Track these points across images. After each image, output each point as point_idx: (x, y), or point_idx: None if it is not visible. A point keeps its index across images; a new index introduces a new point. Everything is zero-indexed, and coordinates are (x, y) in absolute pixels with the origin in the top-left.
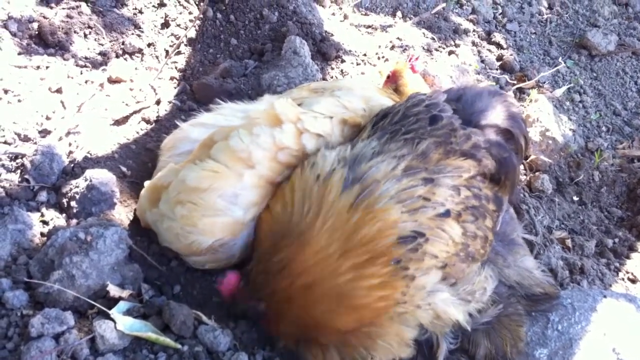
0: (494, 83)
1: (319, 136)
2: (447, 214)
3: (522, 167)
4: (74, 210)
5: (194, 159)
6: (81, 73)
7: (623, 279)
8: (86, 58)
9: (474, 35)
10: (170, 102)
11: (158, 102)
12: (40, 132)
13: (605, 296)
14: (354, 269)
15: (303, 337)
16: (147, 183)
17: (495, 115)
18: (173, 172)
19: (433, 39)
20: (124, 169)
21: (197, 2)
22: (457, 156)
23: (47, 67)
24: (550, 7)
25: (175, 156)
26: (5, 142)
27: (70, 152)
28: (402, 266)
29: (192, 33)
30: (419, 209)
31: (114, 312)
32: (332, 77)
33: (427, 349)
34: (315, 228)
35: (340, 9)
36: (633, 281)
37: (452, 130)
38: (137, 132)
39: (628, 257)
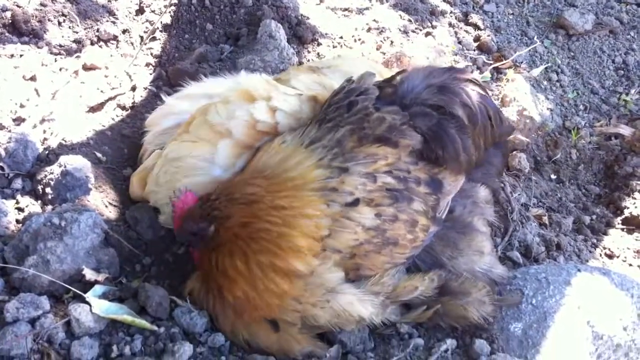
0: (472, 64)
1: (290, 114)
2: (355, 202)
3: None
4: (49, 197)
5: (177, 137)
6: (55, 61)
7: (600, 255)
8: (60, 46)
9: (451, 16)
10: (145, 89)
11: (133, 89)
12: (14, 120)
13: (579, 270)
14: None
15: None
16: (135, 172)
17: (424, 91)
18: (157, 156)
19: (410, 20)
20: (99, 155)
21: None
22: (370, 142)
23: (21, 56)
24: None
25: (159, 134)
26: None
27: (45, 140)
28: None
29: (167, 19)
30: (330, 202)
31: (89, 296)
32: (308, 61)
33: None
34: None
35: None
36: (610, 257)
37: (366, 115)
38: (113, 119)
39: (605, 234)
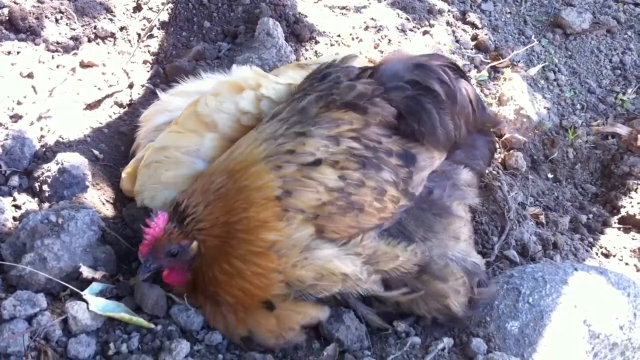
0: (469, 62)
1: (276, 103)
2: (316, 162)
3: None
4: (46, 194)
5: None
6: (53, 58)
7: (597, 254)
8: (58, 43)
9: (448, 15)
10: (143, 86)
11: (131, 86)
12: (11, 117)
13: (576, 269)
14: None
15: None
16: (125, 167)
17: (401, 69)
18: (147, 149)
19: (407, 19)
20: (96, 152)
21: None
22: (337, 108)
23: (18, 53)
24: None
25: (152, 130)
26: None
27: (42, 137)
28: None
29: (164, 16)
30: (284, 163)
31: (86, 293)
32: (305, 59)
33: None
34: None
35: None
36: (606, 256)
37: (336, 83)
38: (110, 116)
39: (602, 233)
